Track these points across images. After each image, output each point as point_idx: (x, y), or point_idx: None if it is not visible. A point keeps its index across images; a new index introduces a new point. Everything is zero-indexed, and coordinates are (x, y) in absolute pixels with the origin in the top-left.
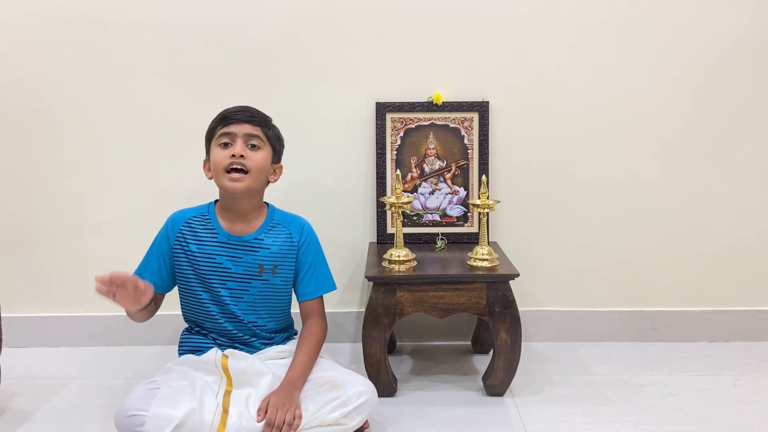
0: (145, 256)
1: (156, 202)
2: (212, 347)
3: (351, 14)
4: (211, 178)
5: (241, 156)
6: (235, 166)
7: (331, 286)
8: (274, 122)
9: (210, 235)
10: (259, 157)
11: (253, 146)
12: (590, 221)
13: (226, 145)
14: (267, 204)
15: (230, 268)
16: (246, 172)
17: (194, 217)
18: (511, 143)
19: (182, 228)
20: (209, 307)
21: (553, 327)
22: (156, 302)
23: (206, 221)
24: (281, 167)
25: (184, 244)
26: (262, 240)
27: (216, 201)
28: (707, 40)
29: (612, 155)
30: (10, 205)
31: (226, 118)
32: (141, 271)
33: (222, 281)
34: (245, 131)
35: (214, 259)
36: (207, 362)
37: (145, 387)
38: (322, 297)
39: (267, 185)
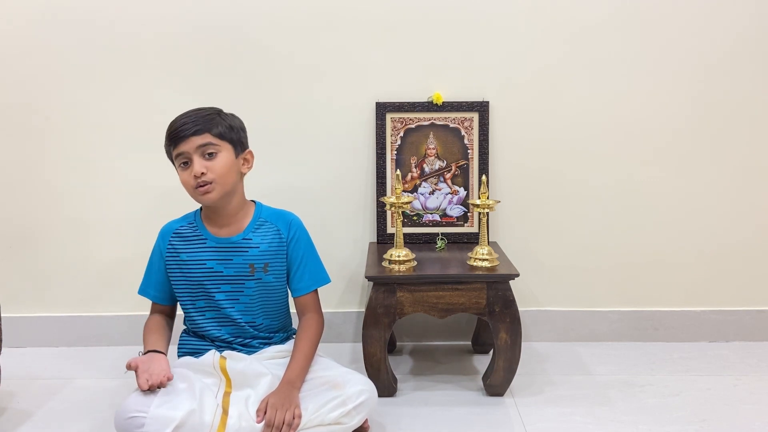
0: (146, 272)
1: (156, 202)
2: (210, 349)
3: (351, 14)
4: None
5: (202, 173)
6: (200, 184)
7: (325, 279)
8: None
9: (199, 241)
10: (219, 164)
11: (210, 154)
12: (590, 221)
13: (185, 164)
14: (254, 202)
15: (222, 272)
16: (211, 183)
17: (182, 226)
18: (511, 143)
19: (171, 239)
20: (206, 315)
21: (553, 327)
22: (170, 314)
23: (193, 228)
24: (251, 152)
25: (175, 254)
26: (251, 239)
27: (202, 208)
28: (707, 41)
29: (612, 155)
30: (10, 205)
31: (172, 138)
32: (145, 287)
33: (216, 285)
34: (195, 144)
35: (205, 264)
36: (205, 364)
37: None
38: (316, 291)
39: (242, 178)
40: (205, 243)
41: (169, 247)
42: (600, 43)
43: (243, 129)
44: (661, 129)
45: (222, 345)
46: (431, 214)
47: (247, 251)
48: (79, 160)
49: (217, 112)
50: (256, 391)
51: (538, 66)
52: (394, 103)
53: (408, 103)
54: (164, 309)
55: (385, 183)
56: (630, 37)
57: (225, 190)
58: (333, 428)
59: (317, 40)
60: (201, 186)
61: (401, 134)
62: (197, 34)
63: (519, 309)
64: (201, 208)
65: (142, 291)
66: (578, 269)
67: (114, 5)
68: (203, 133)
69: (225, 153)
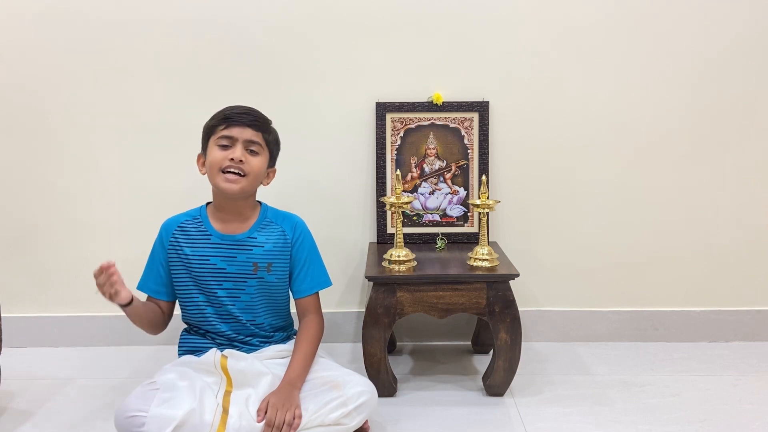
0: (146, 266)
1: (155, 201)
2: (211, 347)
3: (351, 14)
4: (204, 174)
5: (240, 161)
6: (232, 170)
7: (327, 283)
8: (274, 124)
9: (203, 236)
10: (256, 163)
11: (251, 151)
12: (590, 221)
13: (225, 147)
14: (260, 203)
15: (225, 268)
16: (242, 176)
17: (186, 221)
18: (511, 143)
19: (175, 232)
20: (206, 310)
21: (553, 327)
22: (165, 311)
23: (198, 224)
24: (275, 171)
25: (178, 248)
26: (256, 238)
27: (208, 203)
28: (705, 40)
29: (611, 155)
30: (10, 205)
31: (228, 119)
32: (145, 281)
33: (218, 282)
34: (246, 136)
35: (208, 260)
36: (206, 363)
37: (144, 388)
38: (317, 294)
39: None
40: (209, 239)
41: (172, 240)
42: (599, 44)
43: (280, 149)
44: (662, 129)
45: (223, 342)
46: (431, 214)
47: (251, 250)
48: (79, 160)
49: (271, 122)
50: (257, 391)
51: (537, 66)
52: (394, 103)
53: (408, 103)
54: (160, 304)
55: (385, 183)
56: (629, 37)
57: (248, 189)
58: (333, 429)
59: (317, 41)
60: (232, 172)
61: (401, 134)
62: (198, 35)
63: (519, 309)
64: (207, 205)
65: (141, 286)
66: (578, 269)
67: (113, 5)
68: (259, 130)
69: (262, 158)
